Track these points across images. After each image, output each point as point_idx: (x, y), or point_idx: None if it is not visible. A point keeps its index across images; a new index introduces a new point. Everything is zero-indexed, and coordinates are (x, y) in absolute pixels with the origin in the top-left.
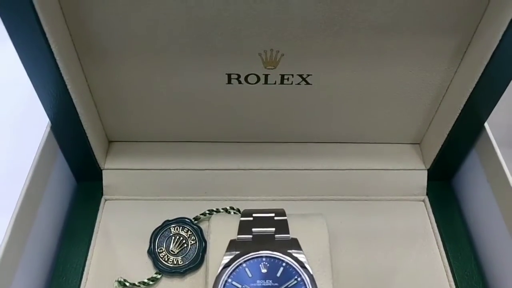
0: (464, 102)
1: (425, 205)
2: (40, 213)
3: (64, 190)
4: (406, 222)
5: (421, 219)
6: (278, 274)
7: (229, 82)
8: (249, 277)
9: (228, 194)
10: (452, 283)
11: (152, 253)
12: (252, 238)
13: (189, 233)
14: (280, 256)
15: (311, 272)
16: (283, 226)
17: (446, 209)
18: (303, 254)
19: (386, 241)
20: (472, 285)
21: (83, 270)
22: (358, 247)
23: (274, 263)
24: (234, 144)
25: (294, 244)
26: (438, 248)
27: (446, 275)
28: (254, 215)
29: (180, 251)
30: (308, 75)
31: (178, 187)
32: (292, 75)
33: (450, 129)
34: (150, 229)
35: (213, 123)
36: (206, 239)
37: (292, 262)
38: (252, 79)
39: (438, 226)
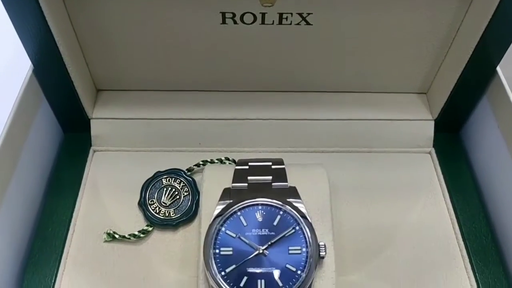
0: (475, 44)
1: (432, 157)
2: (22, 163)
3: (50, 140)
4: (411, 174)
5: (427, 172)
6: (275, 223)
7: (224, 22)
8: (244, 226)
9: (223, 145)
10: (459, 236)
11: (143, 205)
12: (248, 186)
13: (182, 184)
14: (277, 204)
15: (310, 221)
16: (280, 175)
17: (454, 161)
18: (302, 203)
19: (390, 194)
20: (481, 238)
21: (70, 222)
22: (360, 200)
23: (270, 211)
24: (230, 93)
25: (293, 192)
26: (445, 201)
27: (453, 228)
28: (250, 163)
29: (172, 203)
30: (309, 13)
31: (170, 137)
32: (291, 13)
33: (460, 74)
34: (140, 181)
35: (207, 69)
36: (200, 191)
37: (290, 211)
38: (248, 18)
39: (445, 178)
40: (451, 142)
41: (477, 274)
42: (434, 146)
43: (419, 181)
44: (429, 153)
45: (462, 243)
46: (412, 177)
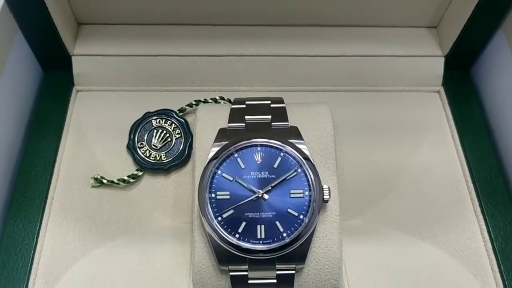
0: None
1: (440, 96)
2: None
3: (29, 79)
4: (419, 114)
5: (436, 111)
6: (275, 165)
7: None
8: (242, 169)
9: (218, 84)
10: (469, 178)
11: (132, 148)
12: (245, 126)
13: (173, 126)
14: (278, 145)
15: (314, 164)
16: (281, 113)
17: (464, 101)
18: (305, 144)
19: (396, 135)
20: (491, 180)
21: (53, 166)
22: (364, 141)
23: (270, 152)
24: (225, 27)
25: (294, 132)
26: (454, 142)
27: (462, 170)
28: (247, 102)
29: (163, 146)
30: None
31: (160, 75)
32: None
33: (474, 5)
34: (129, 123)
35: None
36: (193, 133)
37: (291, 152)
38: None
39: (454, 118)
40: (461, 80)
41: (487, 217)
42: (443, 84)
43: (427, 121)
44: (438, 92)
45: (471, 185)
46: (420, 117)
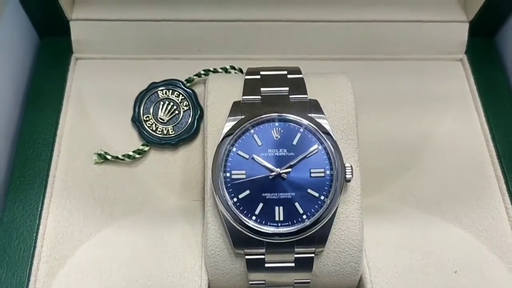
0: None
1: (463, 65)
2: None
3: (24, 46)
4: (441, 84)
5: (458, 81)
6: (294, 142)
7: None
8: (258, 146)
9: (228, 52)
10: (494, 153)
11: (137, 122)
12: (261, 99)
13: (180, 97)
14: (297, 120)
15: (335, 140)
16: (299, 85)
17: (488, 69)
18: (326, 118)
19: (417, 106)
20: None
21: (54, 141)
22: (384, 113)
23: (289, 128)
24: None
25: (314, 106)
26: (477, 113)
27: (486, 144)
28: (262, 73)
29: (170, 119)
30: None
31: (165, 43)
32: None
33: None
34: (133, 94)
35: None
36: (202, 105)
37: (312, 128)
38: None
39: (478, 88)
40: (486, 48)
41: None
42: (466, 52)
43: (449, 92)
44: (461, 60)
45: (496, 161)
46: (442, 88)
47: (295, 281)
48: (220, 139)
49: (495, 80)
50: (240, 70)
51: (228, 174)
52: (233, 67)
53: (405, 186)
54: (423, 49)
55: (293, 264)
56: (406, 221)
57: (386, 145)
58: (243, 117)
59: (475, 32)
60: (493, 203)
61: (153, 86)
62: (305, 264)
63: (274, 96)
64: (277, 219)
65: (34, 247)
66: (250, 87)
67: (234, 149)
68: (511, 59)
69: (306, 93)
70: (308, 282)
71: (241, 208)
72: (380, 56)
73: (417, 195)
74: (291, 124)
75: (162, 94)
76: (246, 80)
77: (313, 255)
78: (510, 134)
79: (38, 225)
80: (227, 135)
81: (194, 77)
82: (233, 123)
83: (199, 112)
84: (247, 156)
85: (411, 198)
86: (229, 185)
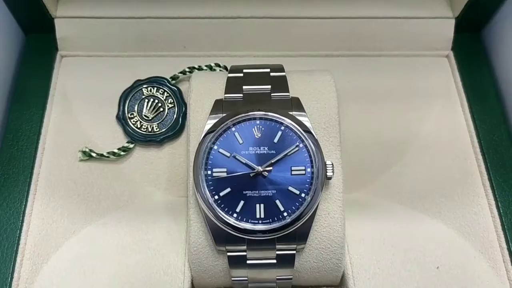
0: None
1: (449, 61)
2: None
3: (8, 43)
4: (426, 80)
5: (444, 77)
6: (276, 140)
7: None
8: (240, 144)
9: (212, 49)
10: (478, 149)
11: (122, 119)
12: (243, 97)
13: (165, 95)
14: (278, 118)
15: (316, 137)
16: (281, 83)
17: (474, 66)
18: (307, 116)
19: (403, 102)
20: (501, 152)
21: (38, 139)
22: (369, 110)
23: (270, 126)
24: None
25: (296, 104)
26: (463, 110)
27: (471, 140)
28: (245, 70)
29: (155, 116)
30: None
31: (150, 40)
32: None
33: None
34: (118, 91)
35: None
36: (187, 102)
37: (293, 126)
38: None
39: (464, 85)
40: (472, 44)
41: (496, 192)
42: (452, 48)
43: (435, 89)
44: (447, 56)
45: (480, 157)
46: (427, 84)
47: (277, 277)
48: (202, 137)
49: (481, 77)
50: (225, 68)
51: (209, 172)
52: (218, 65)
53: (390, 182)
54: (409, 46)
55: (274, 261)
56: (390, 217)
57: (371, 141)
58: (224, 115)
59: (462, 28)
60: (476, 199)
61: (138, 83)
62: (286, 261)
63: (256, 94)
64: (258, 216)
65: (18, 244)
66: (232, 85)
67: (216, 147)
68: (496, 55)
69: (288, 91)
70: (290, 279)
71: (222, 205)
72: (366, 53)
73: (401, 191)
74: (272, 122)
75: (147, 91)
76: (228, 78)
77: (294, 252)
78: (494, 131)
79: (22, 222)
80: (208, 132)
81: (179, 74)
82: (214, 121)
83: (184, 109)
84: (228, 154)
85: (396, 194)
86: (210, 182)
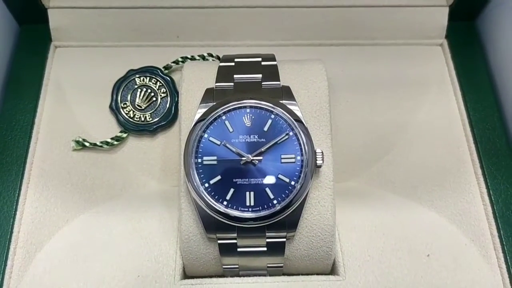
0: None
1: (443, 50)
2: None
3: (2, 34)
4: (419, 69)
5: (438, 66)
6: (266, 128)
7: None
8: (230, 132)
9: (205, 39)
10: (470, 138)
11: (115, 109)
12: (234, 86)
13: (158, 84)
14: (268, 107)
15: (306, 126)
16: (272, 72)
17: (468, 54)
18: (297, 105)
19: (395, 92)
20: (494, 140)
21: (32, 128)
22: (361, 99)
23: (260, 114)
24: None
25: (286, 92)
26: (456, 98)
27: (463, 128)
28: (236, 60)
29: (148, 105)
30: None
31: (143, 30)
32: None
33: None
34: (111, 81)
35: None
36: (179, 92)
37: (283, 114)
38: None
39: (457, 74)
40: (466, 33)
41: (488, 180)
42: (446, 37)
43: (428, 77)
44: (441, 45)
45: (473, 146)
46: (421, 73)
47: (268, 265)
48: (192, 125)
49: (475, 65)
50: (218, 57)
51: (199, 160)
52: (210, 55)
53: (382, 170)
54: (403, 34)
55: (265, 249)
56: (382, 205)
57: (364, 130)
58: (215, 103)
59: (455, 16)
60: (468, 187)
61: (131, 73)
62: (277, 249)
63: (246, 83)
64: (248, 204)
65: (11, 232)
66: (223, 74)
67: (206, 135)
68: (490, 44)
69: (279, 80)
70: (281, 267)
71: (212, 193)
72: (359, 42)
73: (394, 180)
74: (262, 110)
75: (140, 81)
76: (220, 67)
77: (284, 239)
78: (487, 119)
79: (15, 210)
80: (199, 121)
81: (172, 64)
82: (204, 109)
83: (176, 98)
84: (218, 142)
85: (388, 183)
86: (200, 170)
